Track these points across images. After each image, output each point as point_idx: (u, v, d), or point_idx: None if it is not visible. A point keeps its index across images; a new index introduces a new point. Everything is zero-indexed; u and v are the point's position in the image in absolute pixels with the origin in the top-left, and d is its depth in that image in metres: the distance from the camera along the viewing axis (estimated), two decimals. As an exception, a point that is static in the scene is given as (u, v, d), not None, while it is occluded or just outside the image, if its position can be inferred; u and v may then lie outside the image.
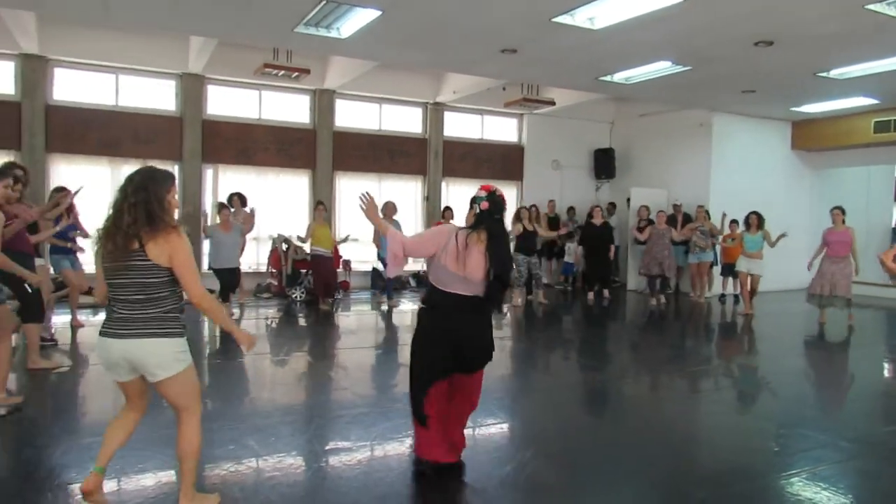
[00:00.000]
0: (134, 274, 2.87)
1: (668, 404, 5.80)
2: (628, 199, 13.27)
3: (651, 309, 10.91)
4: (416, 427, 3.81)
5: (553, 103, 11.88)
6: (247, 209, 9.88)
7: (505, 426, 4.94)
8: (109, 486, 3.48)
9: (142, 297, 2.89)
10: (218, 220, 9.14)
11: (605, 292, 11.77)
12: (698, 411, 5.66)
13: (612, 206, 13.84)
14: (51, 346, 6.77)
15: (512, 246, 8.56)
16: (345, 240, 10.45)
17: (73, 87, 10.43)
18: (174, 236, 2.88)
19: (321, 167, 12.10)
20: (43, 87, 10.10)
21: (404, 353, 7.59)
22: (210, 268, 8.98)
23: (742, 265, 10.34)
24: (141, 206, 2.84)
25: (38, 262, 7.05)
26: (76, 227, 7.68)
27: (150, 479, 3.65)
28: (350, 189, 12.36)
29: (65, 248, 7.49)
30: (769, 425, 5.12)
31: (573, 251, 13.00)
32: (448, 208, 11.21)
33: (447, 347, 3.60)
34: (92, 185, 9.96)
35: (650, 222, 11.85)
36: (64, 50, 10.05)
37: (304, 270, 10.72)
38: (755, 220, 10.29)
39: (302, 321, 9.31)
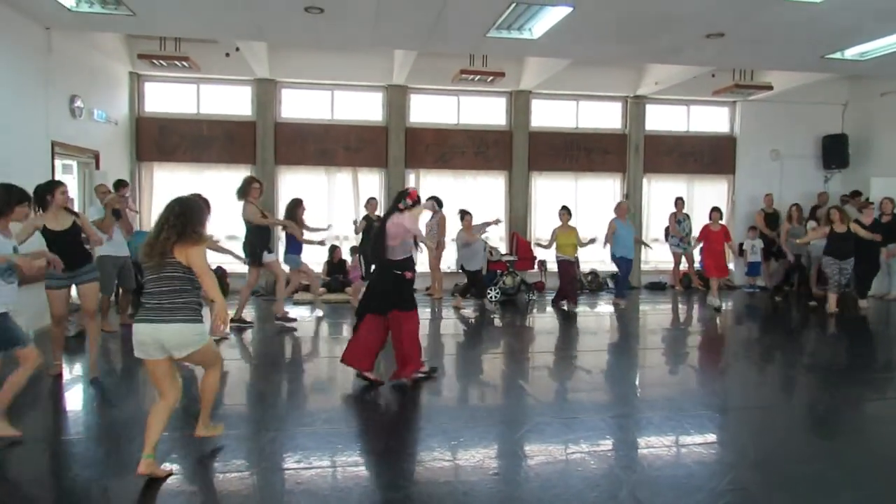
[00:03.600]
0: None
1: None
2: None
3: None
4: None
5: (770, 88, 10.71)
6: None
7: (705, 447, 4.52)
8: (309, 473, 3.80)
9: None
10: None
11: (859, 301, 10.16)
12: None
13: (846, 198, 12.14)
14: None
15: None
16: (591, 241, 10.26)
17: (296, 104, 11.65)
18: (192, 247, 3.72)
19: (517, 168, 12.16)
20: (273, 107, 11.41)
21: (598, 360, 7.36)
22: None
23: None
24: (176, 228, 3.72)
25: (267, 257, 8.18)
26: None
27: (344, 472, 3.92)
28: (546, 189, 12.33)
29: (298, 248, 8.79)
30: None
31: (758, 250, 11.84)
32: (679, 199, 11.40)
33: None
34: (311, 192, 11.07)
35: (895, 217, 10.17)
36: (289, 72, 11.23)
37: (499, 271, 10.87)
38: None
39: (497, 322, 9.42)
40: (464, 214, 10.19)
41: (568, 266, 10.22)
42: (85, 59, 9.30)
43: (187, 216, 3.73)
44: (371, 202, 10.11)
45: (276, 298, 8.92)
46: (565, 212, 10.29)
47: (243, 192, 8.12)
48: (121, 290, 8.21)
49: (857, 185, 11.96)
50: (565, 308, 10.17)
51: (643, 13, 7.04)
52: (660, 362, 7.39)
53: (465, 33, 7.93)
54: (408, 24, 7.58)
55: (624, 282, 10.66)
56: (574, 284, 10.37)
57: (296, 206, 8.96)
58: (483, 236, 10.37)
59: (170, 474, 3.77)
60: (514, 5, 6.90)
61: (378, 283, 5.73)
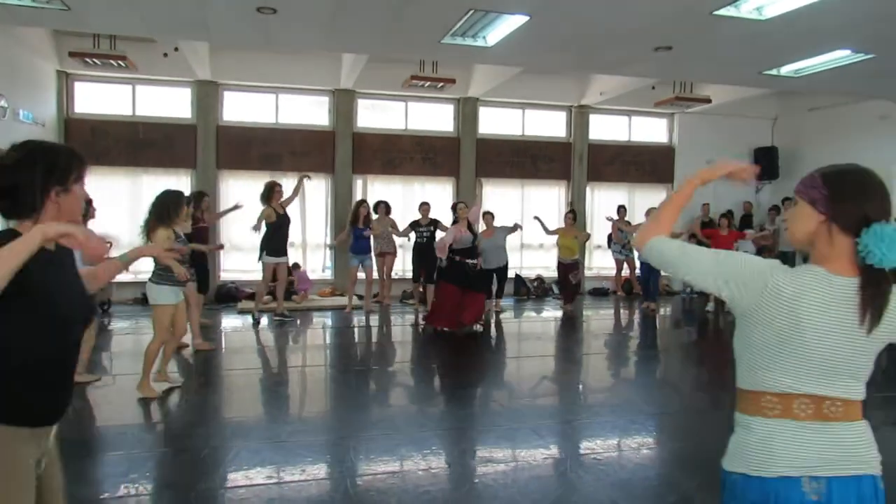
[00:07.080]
0: None
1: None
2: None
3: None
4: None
5: (709, 101, 11.14)
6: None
7: (673, 448, 4.59)
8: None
9: None
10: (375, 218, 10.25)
11: None
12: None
13: (776, 209, 12.76)
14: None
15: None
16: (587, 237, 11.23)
17: (239, 107, 11.29)
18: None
19: (464, 174, 12.18)
20: (215, 110, 11.02)
21: (559, 365, 7.41)
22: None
23: None
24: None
25: (266, 258, 8.87)
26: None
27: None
28: (493, 196, 12.40)
29: (363, 248, 9.61)
30: None
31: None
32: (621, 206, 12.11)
33: None
34: (255, 198, 10.70)
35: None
36: (232, 74, 10.89)
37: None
38: None
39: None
40: (485, 215, 10.13)
41: (562, 268, 10.72)
42: (8, 55, 8.71)
43: (161, 204, 5.34)
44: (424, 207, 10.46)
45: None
46: (570, 215, 10.93)
47: (267, 197, 8.77)
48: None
49: (786, 196, 12.56)
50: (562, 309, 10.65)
51: (597, 25, 7.15)
52: (612, 367, 7.51)
53: (421, 39, 7.87)
54: (363, 27, 7.45)
55: (652, 287, 10.89)
56: (570, 286, 10.76)
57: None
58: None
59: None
60: (471, 12, 6.89)
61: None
